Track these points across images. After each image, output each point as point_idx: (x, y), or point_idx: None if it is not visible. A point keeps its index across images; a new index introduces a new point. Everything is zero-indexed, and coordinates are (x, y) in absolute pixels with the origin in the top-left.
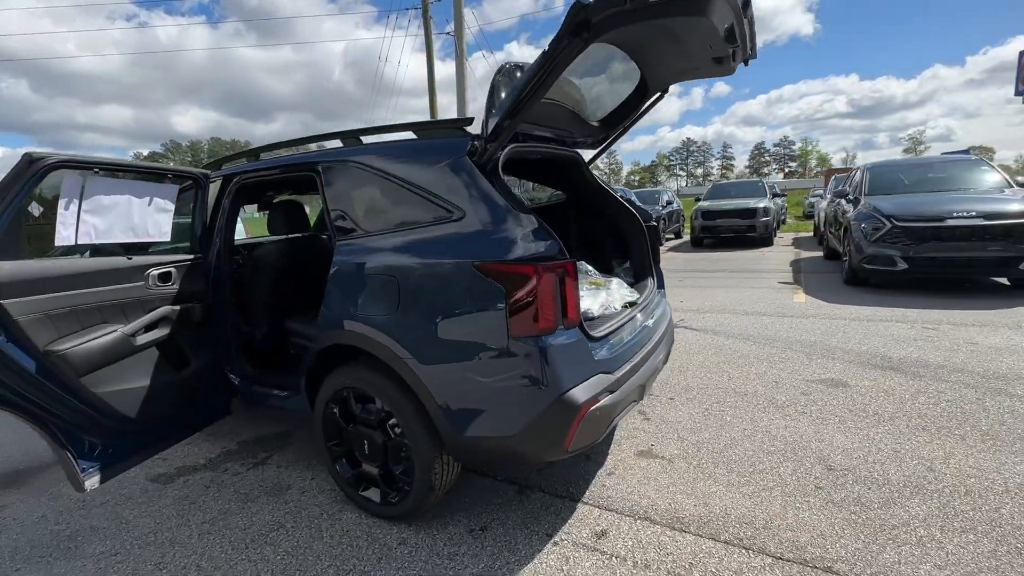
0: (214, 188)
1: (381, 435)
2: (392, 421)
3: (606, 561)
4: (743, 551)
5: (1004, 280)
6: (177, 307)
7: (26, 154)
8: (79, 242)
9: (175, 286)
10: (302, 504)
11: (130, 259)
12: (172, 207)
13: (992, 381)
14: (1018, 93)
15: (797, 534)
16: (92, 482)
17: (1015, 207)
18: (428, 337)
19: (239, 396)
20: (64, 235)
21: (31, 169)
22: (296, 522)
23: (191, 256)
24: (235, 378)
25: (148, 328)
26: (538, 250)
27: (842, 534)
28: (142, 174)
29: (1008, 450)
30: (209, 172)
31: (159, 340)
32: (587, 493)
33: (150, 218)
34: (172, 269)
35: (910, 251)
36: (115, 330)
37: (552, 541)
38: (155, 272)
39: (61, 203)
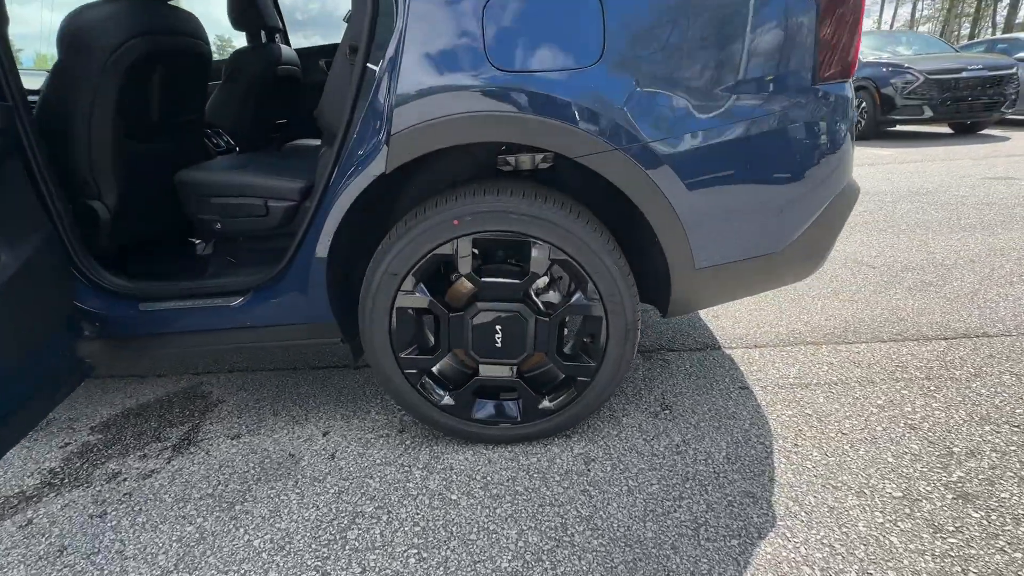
0: None
1: (526, 311)
2: (538, 284)
3: (809, 393)
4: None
5: None
6: None
7: None
8: None
9: None
10: (359, 469)
11: None
12: None
13: None
14: None
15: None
16: None
17: None
18: (682, 114)
19: (101, 336)
20: None
21: None
22: (381, 507)
23: None
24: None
25: None
26: None
27: None
28: None
29: None
30: None
31: None
32: (726, 339)
33: None
34: None
35: None
36: None
37: (744, 387)
38: None
39: None
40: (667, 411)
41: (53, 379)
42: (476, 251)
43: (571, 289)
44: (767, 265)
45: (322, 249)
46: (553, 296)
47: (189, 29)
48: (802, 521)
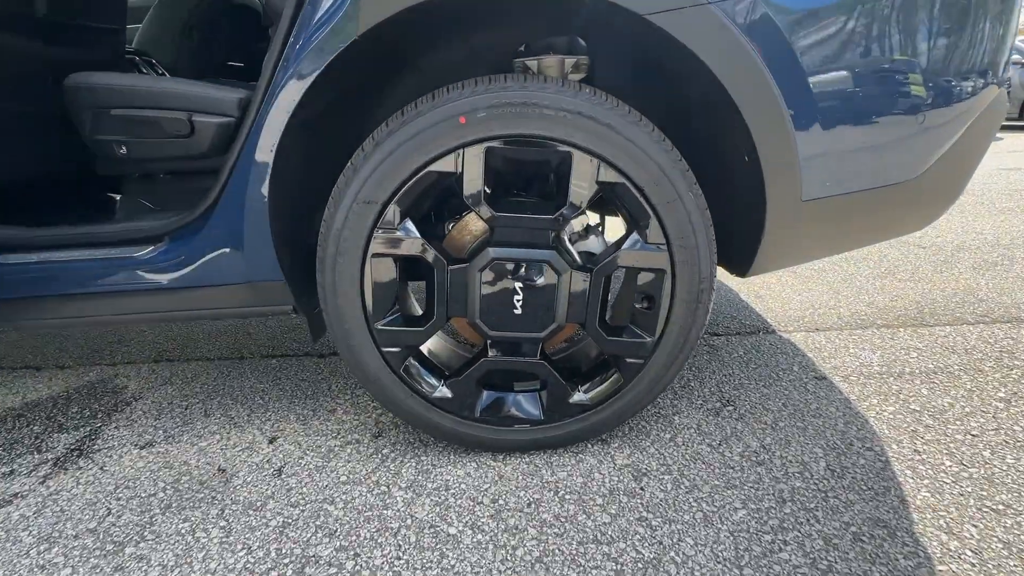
0: None
1: (558, 261)
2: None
3: (906, 384)
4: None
5: None
6: None
7: None
8: None
9: None
10: (316, 491)
11: None
12: None
13: None
14: None
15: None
16: None
17: None
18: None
19: None
20: None
21: None
22: (344, 549)
23: None
24: None
25: None
26: None
27: None
28: None
29: None
30: None
31: None
32: (779, 322)
33: None
34: None
35: None
36: None
37: (820, 377)
38: None
39: None
40: (730, 407)
41: None
42: (487, 172)
43: (625, 231)
44: (897, 199)
45: (262, 170)
46: (594, 243)
47: None
48: (972, 566)
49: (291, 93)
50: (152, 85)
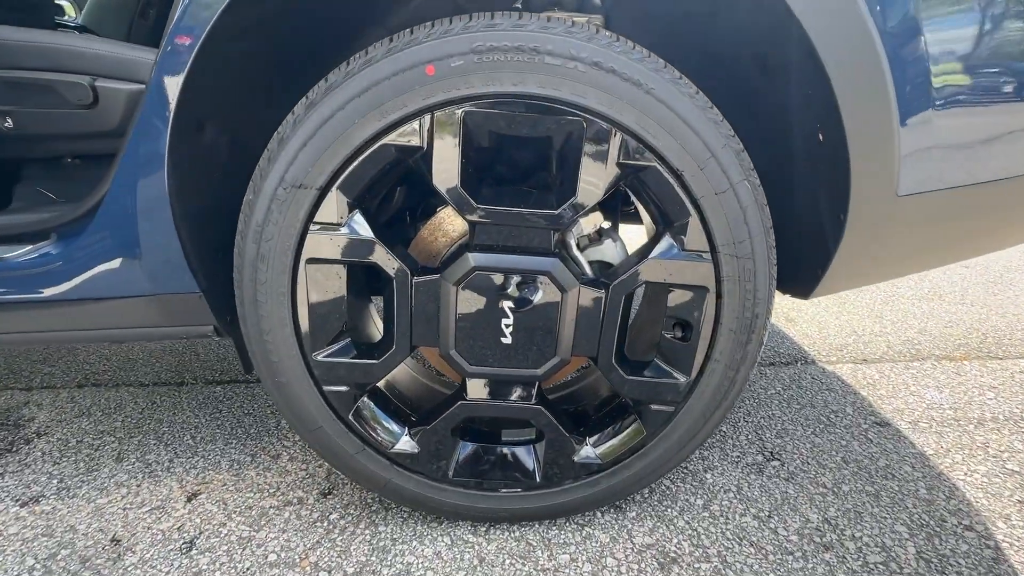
0: None
1: (562, 272)
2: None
3: (995, 434)
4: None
5: None
6: None
7: None
8: None
9: None
10: (232, 572)
11: None
12: None
13: None
14: None
15: None
16: None
17: None
18: None
19: None
20: None
21: None
22: None
23: None
24: None
25: None
26: None
27: None
28: None
29: None
30: None
31: None
32: (819, 351)
33: None
34: None
35: None
36: None
37: (881, 423)
38: None
39: None
40: (776, 461)
41: None
42: (467, 148)
43: (654, 234)
44: (1020, 196)
45: (159, 145)
46: (610, 251)
47: None
48: None
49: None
50: (46, 40)
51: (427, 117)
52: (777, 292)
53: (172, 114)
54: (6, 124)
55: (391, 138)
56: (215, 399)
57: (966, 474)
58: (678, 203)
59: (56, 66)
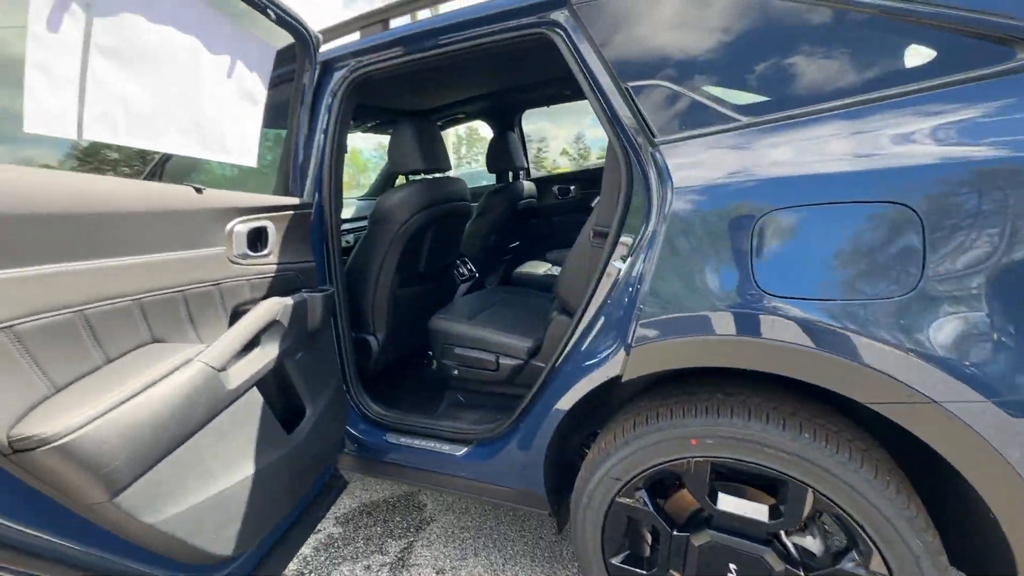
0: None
1: (772, 559)
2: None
3: None
4: None
5: None
6: (289, 302)
7: None
8: (89, 134)
9: (272, 258)
10: None
11: (200, 191)
12: (264, 91)
13: None
14: None
15: None
16: None
17: None
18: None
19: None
20: (48, 108)
21: None
22: None
23: (293, 201)
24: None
25: (246, 347)
26: None
27: None
28: None
29: None
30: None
31: (263, 372)
32: None
33: (228, 109)
34: (267, 223)
35: None
36: (187, 361)
37: None
38: (242, 228)
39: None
40: None
41: (328, 491)
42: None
43: (843, 546)
44: None
45: (555, 417)
46: (812, 542)
47: (457, 194)
48: None
49: (571, 393)
50: (477, 333)
51: (689, 462)
52: None
53: (558, 424)
54: (455, 372)
55: (667, 466)
56: (520, 520)
57: None
58: (861, 538)
59: (480, 347)
